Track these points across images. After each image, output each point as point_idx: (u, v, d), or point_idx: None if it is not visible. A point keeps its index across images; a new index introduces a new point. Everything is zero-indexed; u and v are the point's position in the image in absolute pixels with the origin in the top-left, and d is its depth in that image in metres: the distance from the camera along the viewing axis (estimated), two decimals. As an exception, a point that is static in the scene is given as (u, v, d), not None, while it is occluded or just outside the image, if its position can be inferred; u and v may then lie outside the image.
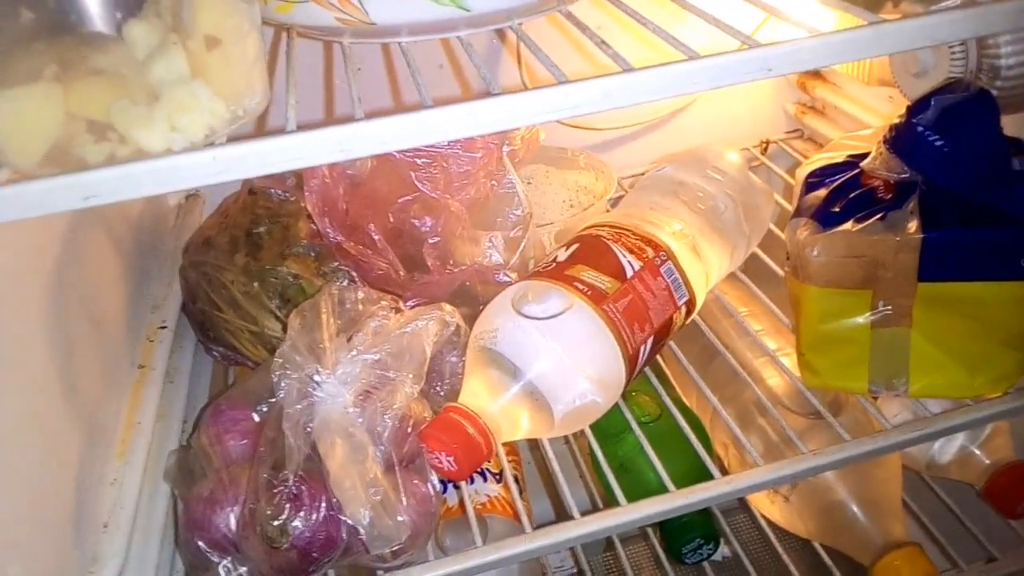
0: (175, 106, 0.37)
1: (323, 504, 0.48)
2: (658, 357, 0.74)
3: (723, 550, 0.93)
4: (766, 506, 0.71)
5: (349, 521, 0.48)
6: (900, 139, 0.54)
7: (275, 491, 0.47)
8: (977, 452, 0.68)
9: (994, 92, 0.57)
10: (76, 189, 0.34)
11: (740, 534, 0.89)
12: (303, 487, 0.48)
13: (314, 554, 0.47)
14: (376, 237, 0.66)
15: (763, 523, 0.78)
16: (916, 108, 0.53)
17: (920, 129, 0.52)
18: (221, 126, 0.38)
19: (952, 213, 0.54)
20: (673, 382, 0.76)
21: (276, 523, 0.47)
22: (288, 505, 0.47)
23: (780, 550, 0.73)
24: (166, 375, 0.63)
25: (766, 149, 0.92)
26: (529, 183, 0.80)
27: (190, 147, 0.36)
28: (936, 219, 0.53)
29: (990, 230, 0.52)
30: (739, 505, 0.94)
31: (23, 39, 0.37)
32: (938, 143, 0.52)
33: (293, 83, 0.42)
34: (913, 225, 0.54)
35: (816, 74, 0.88)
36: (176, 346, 0.66)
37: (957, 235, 0.53)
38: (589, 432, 0.64)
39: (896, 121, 0.54)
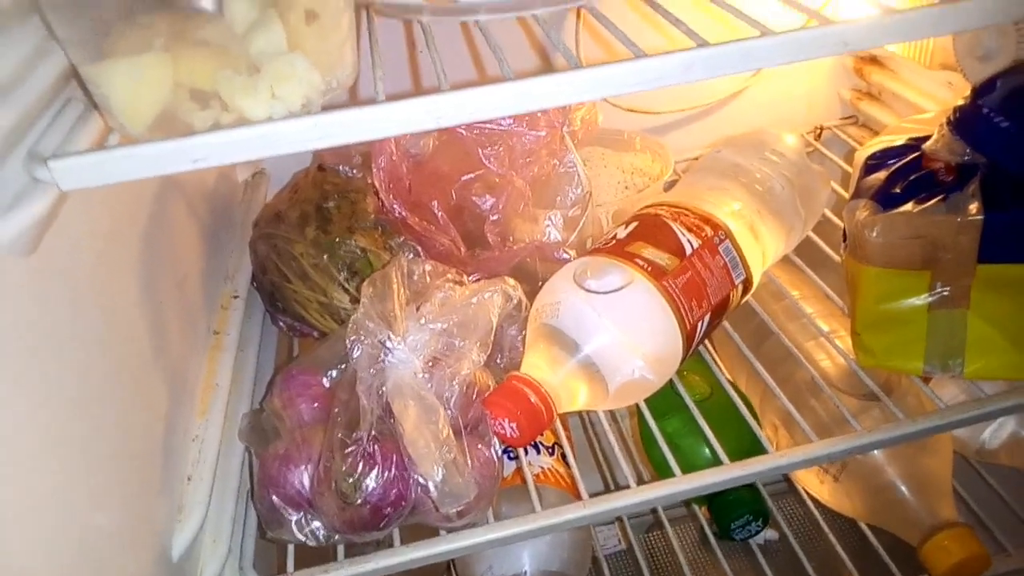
0: (276, 76, 0.39)
1: (395, 463, 0.50)
2: (706, 340, 0.75)
3: (769, 533, 0.94)
4: (815, 486, 0.72)
5: (420, 480, 0.50)
6: (964, 121, 0.54)
7: (350, 449, 0.50)
8: (1030, 438, 0.68)
9: (1060, 76, 0.57)
10: (186, 152, 0.36)
11: (788, 517, 0.90)
12: (376, 446, 0.50)
13: (385, 510, 0.50)
14: (439, 214, 0.68)
15: (811, 505, 0.79)
16: (982, 90, 0.53)
17: (986, 111, 0.53)
18: (316, 96, 0.41)
19: (1014, 196, 0.54)
20: (721, 364, 0.78)
21: (351, 479, 0.49)
22: (362, 462, 0.49)
23: (827, 531, 0.74)
24: (240, 344, 0.66)
25: (820, 135, 0.92)
26: (585, 164, 0.82)
27: (288, 115, 0.38)
28: (998, 201, 0.54)
29: (1053, 212, 0.53)
30: (787, 488, 0.94)
31: (131, 13, 0.40)
32: (1004, 124, 0.52)
33: (378, 57, 0.44)
34: (974, 207, 0.54)
35: (873, 59, 0.88)
36: (247, 316, 0.69)
37: (1019, 217, 0.53)
38: (643, 407, 0.65)
39: (960, 103, 0.55)
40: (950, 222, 0.54)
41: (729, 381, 0.74)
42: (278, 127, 0.37)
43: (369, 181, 0.68)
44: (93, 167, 0.36)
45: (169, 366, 0.52)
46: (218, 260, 0.69)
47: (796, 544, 0.74)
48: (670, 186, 0.77)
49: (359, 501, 0.49)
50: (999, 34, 0.59)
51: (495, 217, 0.67)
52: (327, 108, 0.40)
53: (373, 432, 0.50)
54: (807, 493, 0.79)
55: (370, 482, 0.49)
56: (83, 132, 0.40)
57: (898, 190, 0.58)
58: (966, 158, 0.56)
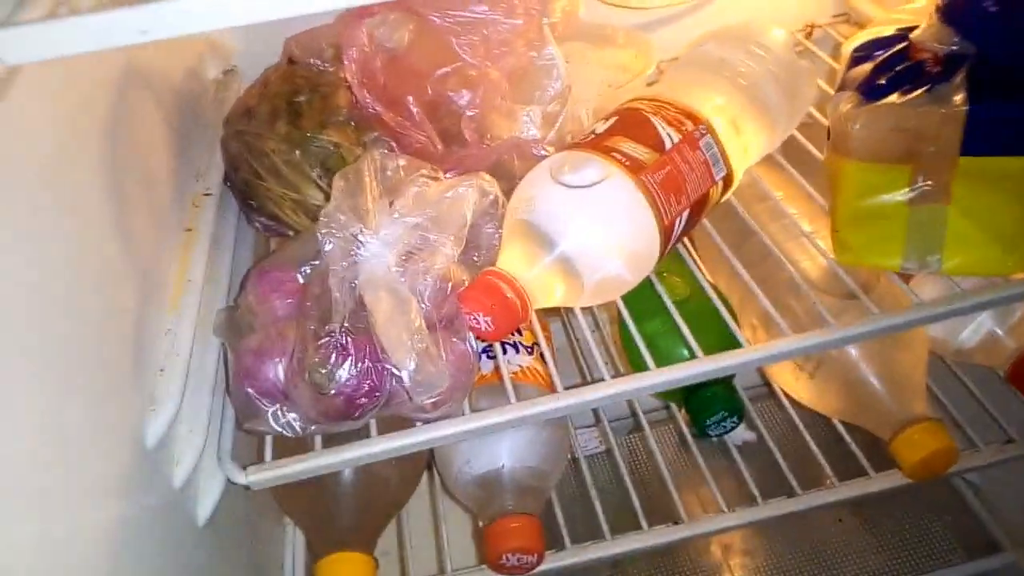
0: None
1: (368, 354, 0.50)
2: (686, 239, 0.75)
3: (747, 434, 0.96)
4: (791, 383, 0.72)
5: (394, 370, 0.50)
6: (953, 6, 0.52)
7: (322, 341, 0.50)
8: (1004, 337, 0.69)
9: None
10: (134, 22, 0.34)
11: (766, 419, 0.91)
12: (349, 338, 0.50)
13: (359, 400, 0.50)
14: (414, 110, 0.66)
15: (789, 407, 0.80)
16: (973, -27, 0.51)
17: (975, -6, 0.51)
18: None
19: (1001, 87, 0.53)
20: (701, 264, 0.77)
21: (324, 370, 0.49)
22: (335, 354, 0.49)
23: (803, 431, 0.75)
24: (214, 241, 0.65)
25: (811, 33, 0.89)
26: (567, 61, 0.79)
27: (242, -15, 0.36)
28: (983, 92, 0.52)
29: (1038, 102, 0.51)
30: (767, 392, 0.96)
31: None
32: (992, 9, 0.50)
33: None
34: (959, 98, 0.53)
35: (867, -47, 0.85)
36: (219, 215, 0.68)
37: (1002, 108, 0.52)
38: (624, 309, 0.65)
39: (950, -12, 0.53)
40: (933, 113, 0.53)
41: (709, 281, 0.74)
42: (228, -3, 0.35)
43: (342, 75, 0.66)
44: (39, 37, 0.34)
45: (136, 260, 0.51)
46: (188, 158, 0.67)
47: (773, 445, 0.75)
48: (654, 83, 0.75)
49: (333, 392, 0.49)
50: (996, -84, 0.56)
51: (472, 113, 0.65)
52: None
53: (346, 324, 0.50)
54: (785, 395, 0.80)
55: (343, 373, 0.49)
56: (31, 4, 0.38)
57: (883, 82, 0.56)
58: (955, 47, 0.55)
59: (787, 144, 0.74)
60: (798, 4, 0.91)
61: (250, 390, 0.52)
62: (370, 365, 0.50)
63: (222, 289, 0.62)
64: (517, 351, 0.71)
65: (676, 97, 0.63)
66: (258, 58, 0.75)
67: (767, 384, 0.85)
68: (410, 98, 0.66)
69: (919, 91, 0.54)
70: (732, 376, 0.72)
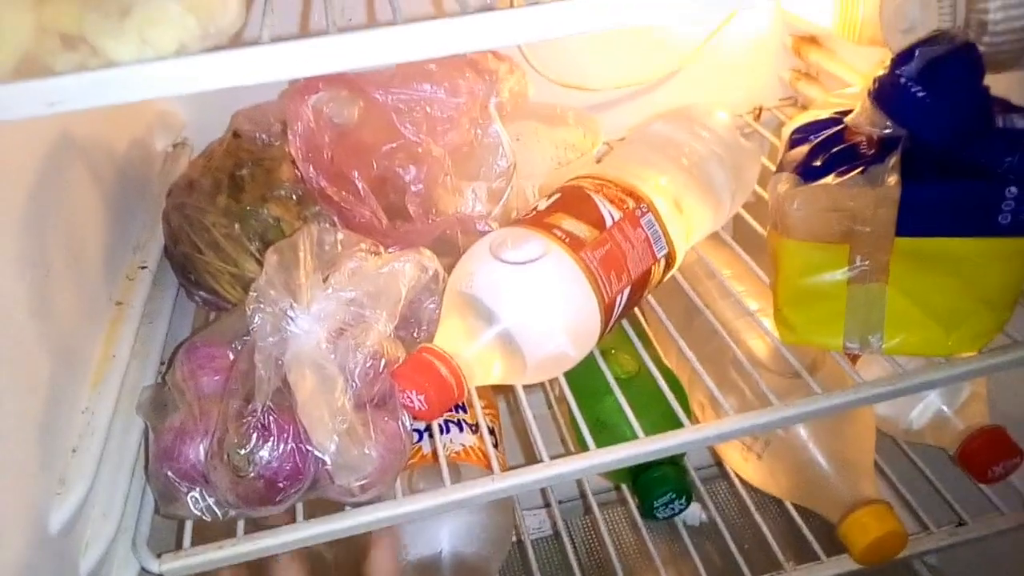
0: (145, 19, 0.37)
1: (290, 435, 0.48)
2: (640, 316, 0.74)
3: (700, 515, 0.94)
4: (740, 465, 0.71)
5: (317, 452, 0.48)
6: (883, 91, 0.53)
7: (243, 421, 0.48)
8: (953, 417, 0.68)
9: (981, 49, 0.57)
10: (41, 94, 0.34)
11: (718, 500, 0.89)
12: (271, 418, 0.48)
13: (280, 484, 0.48)
14: (360, 185, 0.65)
15: (740, 488, 0.78)
16: (900, 59, 0.52)
17: (903, 80, 0.52)
18: (192, 42, 0.38)
19: (933, 168, 0.54)
20: (654, 341, 0.77)
21: (243, 451, 0.47)
22: (255, 434, 0.47)
23: (755, 513, 0.73)
24: (146, 316, 0.63)
25: (759, 115, 0.92)
26: (518, 140, 0.80)
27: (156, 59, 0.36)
28: (916, 173, 0.53)
29: (968, 184, 0.52)
30: (718, 473, 0.94)
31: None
32: (920, 94, 0.51)
33: (271, 4, 0.42)
34: (893, 179, 0.53)
35: (811, 39, 0.88)
36: (157, 289, 0.66)
37: (935, 190, 0.53)
38: (567, 390, 0.64)
39: (880, 73, 0.54)
40: (868, 194, 0.54)
41: (658, 360, 0.73)
42: (143, 69, 0.34)
43: (287, 149, 0.66)
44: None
45: (53, 333, 0.49)
46: (126, 230, 0.66)
47: (724, 527, 0.73)
48: (601, 161, 0.76)
49: (252, 474, 0.47)
50: (922, 5, 0.58)
51: (416, 188, 0.65)
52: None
53: (269, 403, 0.48)
54: (736, 476, 0.78)
55: (264, 454, 0.47)
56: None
57: (819, 163, 0.57)
58: (887, 130, 0.56)
59: (739, 222, 0.75)
60: (747, 88, 0.93)
61: (169, 472, 0.50)
62: (293, 447, 0.48)
63: (152, 365, 0.60)
64: (461, 429, 0.69)
65: (619, 176, 0.63)
66: (209, 131, 0.75)
67: (719, 464, 0.83)
68: (356, 173, 0.65)
69: (854, 172, 0.55)
70: (682, 456, 0.71)
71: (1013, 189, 0.51)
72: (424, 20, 0.36)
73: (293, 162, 0.66)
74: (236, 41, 0.40)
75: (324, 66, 0.37)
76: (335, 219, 0.64)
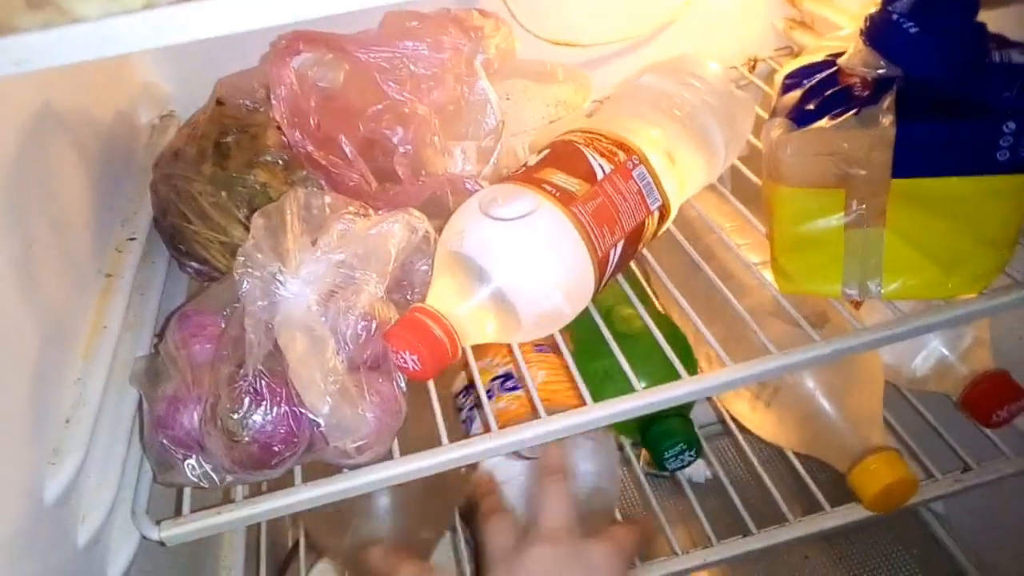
0: (109, -27, 0.36)
1: (283, 398, 0.47)
2: (646, 271, 0.73)
3: (705, 472, 0.94)
4: (747, 414, 0.71)
5: (311, 415, 0.47)
6: (875, 29, 0.52)
7: (235, 385, 0.47)
8: (956, 362, 0.68)
9: (976, -17, 0.55)
10: (7, 52, 0.33)
11: (722, 457, 0.89)
12: (263, 381, 0.47)
13: (275, 447, 0.47)
14: (348, 149, 0.65)
15: (744, 444, 0.78)
16: (891, -5, 0.51)
17: (895, 17, 0.51)
18: (160, -1, 0.37)
19: (928, 107, 0.52)
20: (659, 296, 0.76)
21: (235, 416, 0.47)
22: (247, 399, 0.47)
23: (759, 468, 0.73)
24: (137, 288, 0.62)
25: (754, 67, 0.90)
26: (508, 99, 0.79)
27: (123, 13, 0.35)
28: (911, 113, 0.52)
29: (964, 123, 0.51)
30: (723, 431, 0.94)
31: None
32: (912, 31, 0.50)
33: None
34: (888, 120, 0.52)
35: (804, -13, 0.86)
36: (147, 260, 0.66)
37: (931, 129, 0.51)
38: (561, 343, 0.63)
39: (872, 11, 0.53)
40: (863, 136, 0.53)
41: (662, 314, 0.72)
42: (107, 23, 0.33)
43: (272, 115, 0.65)
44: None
45: (40, 305, 0.48)
46: (113, 203, 0.65)
47: (728, 483, 0.73)
48: (592, 116, 0.75)
49: (246, 439, 0.47)
50: (915, -59, 0.56)
51: (404, 149, 0.64)
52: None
53: (260, 367, 0.48)
54: (742, 430, 0.78)
55: (257, 418, 0.47)
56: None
57: (812, 107, 0.56)
58: (881, 71, 0.54)
59: (736, 174, 0.73)
60: (740, 40, 0.91)
61: (164, 440, 0.49)
62: (287, 410, 0.47)
63: (145, 336, 0.59)
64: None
65: (610, 128, 0.62)
66: (196, 102, 0.74)
67: (723, 422, 0.83)
68: (343, 137, 0.64)
69: (848, 114, 0.54)
70: (689, 408, 0.70)
71: (1011, 124, 0.50)
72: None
73: (279, 127, 0.65)
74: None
75: (295, 12, 0.36)
76: (323, 183, 0.64)
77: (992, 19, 0.54)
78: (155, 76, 0.79)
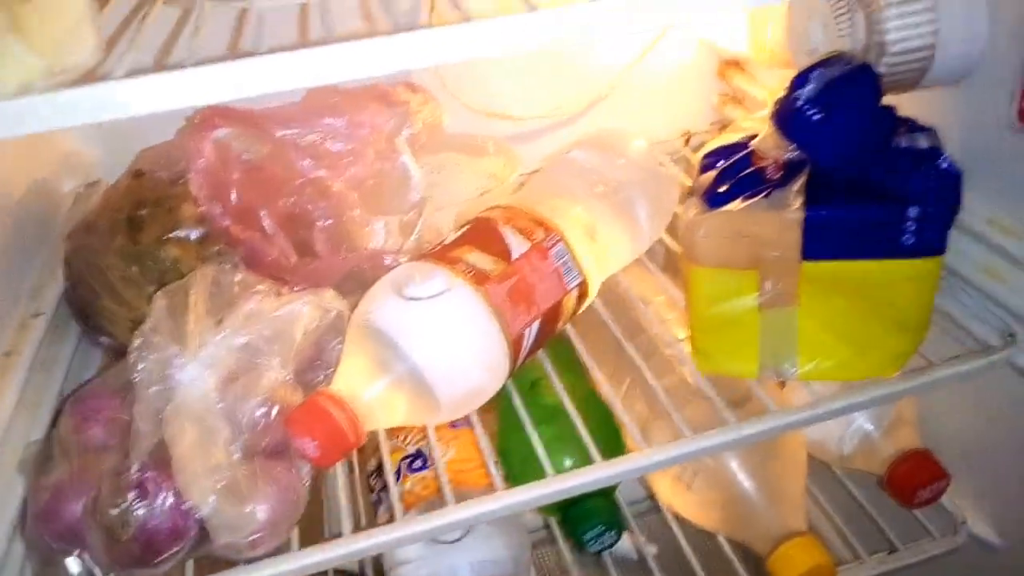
0: (-18, 58, 0.35)
1: (169, 493, 0.45)
2: (578, 344, 0.72)
3: (632, 550, 0.91)
4: (670, 496, 0.69)
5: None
6: (782, 113, 0.53)
7: (118, 478, 0.45)
8: (880, 441, 0.67)
9: (882, 69, 0.57)
10: None
11: (653, 535, 0.86)
12: (148, 475, 0.45)
13: (158, 546, 0.45)
14: (267, 222, 0.63)
15: (672, 524, 0.76)
16: (797, 82, 0.52)
17: (799, 103, 0.51)
18: (38, 79, 0.37)
19: (837, 191, 0.53)
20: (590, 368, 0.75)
21: (115, 512, 0.44)
22: (130, 494, 0.44)
23: (687, 549, 0.72)
24: (41, 364, 0.60)
25: (688, 141, 0.91)
26: (440, 172, 0.79)
27: (-3, 99, 0.34)
28: (820, 197, 0.52)
29: (870, 207, 0.51)
30: (653, 507, 0.92)
31: None
32: (816, 117, 0.51)
33: (142, 39, 0.41)
34: (797, 203, 0.52)
35: (735, 63, 0.87)
36: (55, 336, 0.64)
37: (838, 213, 0.52)
38: (475, 421, 0.62)
39: (780, 96, 0.53)
40: (772, 219, 0.53)
41: (584, 391, 0.71)
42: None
43: (190, 188, 0.64)
44: None
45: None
46: (22, 277, 0.63)
47: (653, 563, 0.71)
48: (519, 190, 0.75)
49: (127, 535, 0.44)
50: (824, 28, 0.58)
51: (324, 223, 0.63)
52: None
53: (146, 459, 0.45)
54: (669, 511, 0.76)
55: (139, 514, 0.44)
56: None
57: (725, 188, 0.56)
58: (793, 153, 0.55)
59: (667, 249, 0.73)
60: (675, 114, 0.93)
61: (45, 535, 0.47)
62: (173, 505, 0.45)
63: (45, 418, 0.57)
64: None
65: (532, 206, 0.62)
66: (124, 168, 0.72)
67: (652, 498, 0.81)
68: (263, 211, 0.63)
69: (759, 197, 0.54)
70: (613, 489, 0.69)
71: (915, 209, 0.50)
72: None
73: (196, 200, 0.63)
74: (92, 77, 0.38)
75: (176, 100, 0.36)
76: (237, 259, 0.62)
77: (903, 103, 0.55)
78: (79, 144, 0.78)
